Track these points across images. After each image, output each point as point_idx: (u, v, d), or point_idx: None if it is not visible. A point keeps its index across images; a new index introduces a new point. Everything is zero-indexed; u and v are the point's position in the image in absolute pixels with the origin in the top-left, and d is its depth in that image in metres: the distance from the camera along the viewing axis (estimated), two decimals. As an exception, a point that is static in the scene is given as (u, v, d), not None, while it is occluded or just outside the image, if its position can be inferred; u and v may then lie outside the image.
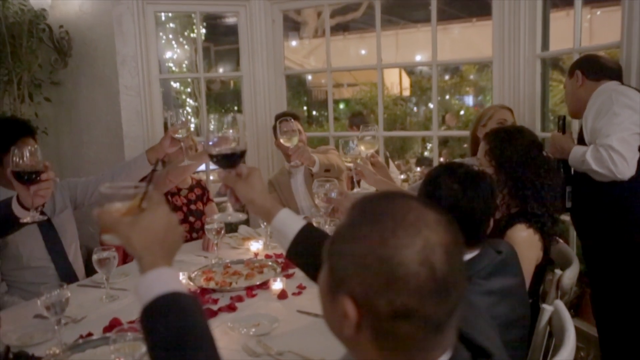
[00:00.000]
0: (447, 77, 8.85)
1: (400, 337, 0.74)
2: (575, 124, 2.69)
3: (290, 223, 1.27)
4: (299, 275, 2.12)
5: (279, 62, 3.75)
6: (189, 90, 6.05)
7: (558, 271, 1.87)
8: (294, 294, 1.99)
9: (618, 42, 2.50)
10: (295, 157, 2.53)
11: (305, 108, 9.54)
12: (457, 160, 2.61)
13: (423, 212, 0.76)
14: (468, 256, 1.44)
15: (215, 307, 1.87)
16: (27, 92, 3.26)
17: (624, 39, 2.45)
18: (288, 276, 2.16)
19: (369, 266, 0.73)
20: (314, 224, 1.53)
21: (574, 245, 2.81)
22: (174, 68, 6.01)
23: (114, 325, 1.70)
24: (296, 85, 9.03)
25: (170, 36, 5.86)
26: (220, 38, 8.04)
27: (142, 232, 0.95)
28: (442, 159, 5.10)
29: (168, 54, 5.87)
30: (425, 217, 0.75)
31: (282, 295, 1.96)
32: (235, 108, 7.06)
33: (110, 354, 1.33)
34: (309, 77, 9.62)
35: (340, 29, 8.71)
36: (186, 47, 5.97)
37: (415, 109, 9.02)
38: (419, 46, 8.10)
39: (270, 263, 2.28)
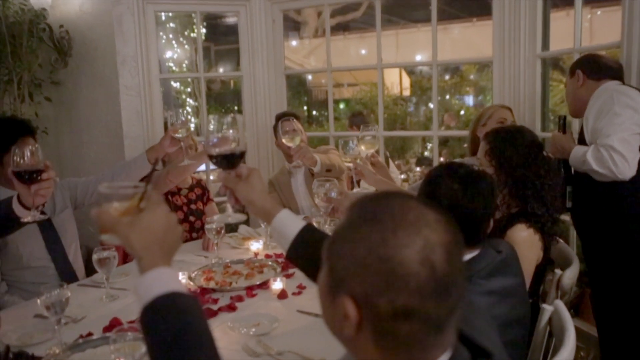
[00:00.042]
0: (447, 77, 8.83)
1: (401, 337, 0.74)
2: (575, 124, 2.69)
3: (290, 224, 1.27)
4: (299, 275, 2.11)
5: (279, 62, 3.75)
6: (189, 90, 6.05)
7: (558, 271, 1.88)
8: (294, 293, 1.99)
9: (618, 42, 2.50)
10: (297, 157, 2.52)
11: (305, 108, 9.52)
12: (457, 160, 2.61)
13: (423, 211, 0.76)
14: (468, 256, 1.44)
15: (215, 307, 1.87)
16: (27, 92, 3.26)
17: (624, 39, 2.45)
18: (288, 276, 2.16)
19: (369, 266, 0.73)
20: (314, 224, 1.53)
21: (574, 245, 2.81)
22: (174, 68, 6.00)
23: (114, 325, 1.70)
24: (296, 85, 9.02)
25: (171, 36, 5.85)
26: (221, 38, 8.04)
27: (142, 232, 0.95)
28: (442, 159, 5.09)
29: (168, 54, 5.86)
30: (425, 216, 0.75)
31: (282, 295, 1.96)
32: (236, 108, 7.04)
33: (110, 353, 1.33)
34: (309, 77, 9.60)
35: (341, 28, 8.70)
36: (186, 46, 5.96)
37: (414, 108, 9.01)
38: (419, 46, 8.09)
39: (270, 263, 2.28)
